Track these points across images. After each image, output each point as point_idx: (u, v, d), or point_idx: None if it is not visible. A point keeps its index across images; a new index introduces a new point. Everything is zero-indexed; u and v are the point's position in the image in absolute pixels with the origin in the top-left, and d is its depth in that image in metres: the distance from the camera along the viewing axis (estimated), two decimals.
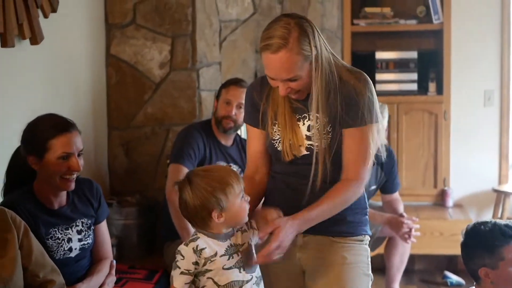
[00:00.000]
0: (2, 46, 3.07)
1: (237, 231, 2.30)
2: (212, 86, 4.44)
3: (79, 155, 2.72)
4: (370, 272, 2.48)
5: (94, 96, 4.29)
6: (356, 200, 2.42)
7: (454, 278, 4.96)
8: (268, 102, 2.42)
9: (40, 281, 2.43)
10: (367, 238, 2.51)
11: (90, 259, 2.93)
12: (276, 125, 2.40)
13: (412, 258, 5.15)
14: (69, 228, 2.80)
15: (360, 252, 2.45)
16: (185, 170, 3.49)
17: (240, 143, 3.94)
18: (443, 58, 5.43)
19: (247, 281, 2.26)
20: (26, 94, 3.39)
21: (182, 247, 2.23)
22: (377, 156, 4.35)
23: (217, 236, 2.25)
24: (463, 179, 5.49)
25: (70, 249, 2.78)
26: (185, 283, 2.22)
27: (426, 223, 4.94)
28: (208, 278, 2.23)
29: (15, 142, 2.88)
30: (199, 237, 2.24)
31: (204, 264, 2.22)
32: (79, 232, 2.83)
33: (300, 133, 2.38)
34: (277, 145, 2.41)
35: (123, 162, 4.46)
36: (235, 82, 3.94)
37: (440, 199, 5.46)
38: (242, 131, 4.06)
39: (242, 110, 3.79)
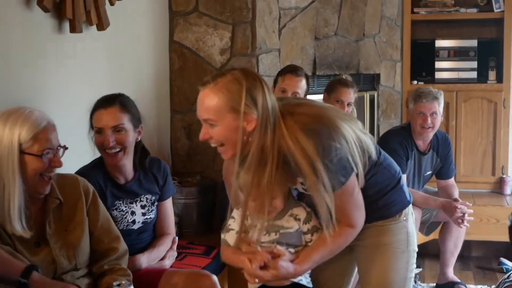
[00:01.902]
0: (70, 32, 3.23)
1: (290, 215, 2.44)
2: (271, 72, 4.55)
3: (118, 130, 2.86)
4: (410, 247, 2.55)
5: (157, 81, 4.45)
6: (382, 182, 2.48)
7: (510, 264, 4.97)
8: None
9: (105, 247, 2.59)
10: (405, 211, 2.55)
11: (153, 233, 3.10)
12: None
13: (469, 245, 5.19)
14: (134, 203, 2.97)
15: (396, 232, 2.53)
16: None
17: None
18: (504, 46, 5.43)
19: None
20: (92, 79, 3.55)
21: (234, 211, 2.44)
22: (432, 142, 4.41)
23: None
24: None
25: (134, 222, 2.96)
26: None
27: (483, 210, 4.98)
28: None
29: (82, 124, 3.07)
30: None
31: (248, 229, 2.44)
32: (142, 207, 3.00)
33: None
34: None
35: (184, 144, 4.61)
36: (291, 71, 4.02)
37: (498, 186, 5.47)
38: None
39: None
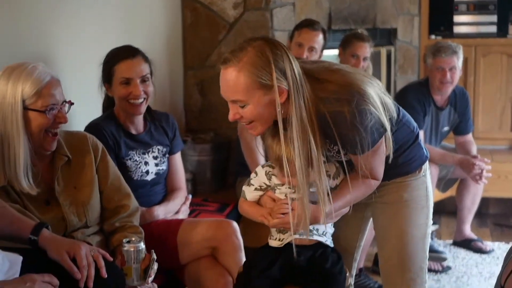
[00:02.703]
0: None
1: None
2: (285, 26, 4.47)
3: (144, 80, 2.88)
4: (429, 202, 2.52)
5: (169, 37, 4.38)
6: (402, 138, 2.42)
7: None
8: None
9: (116, 205, 2.56)
10: (423, 167, 2.51)
11: (165, 187, 3.10)
12: None
13: (486, 201, 5.13)
14: (146, 153, 2.98)
15: (416, 188, 2.49)
16: None
17: None
18: None
19: None
20: (103, 34, 3.49)
21: (258, 168, 2.40)
22: (450, 97, 4.34)
23: None
24: None
25: (147, 172, 2.96)
26: (256, 197, 2.42)
27: (501, 167, 4.90)
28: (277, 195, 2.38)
29: (91, 77, 3.02)
30: (275, 168, 2.36)
31: (273, 188, 2.38)
32: (155, 158, 3.00)
33: None
34: None
35: (197, 100, 4.56)
36: (308, 25, 3.97)
37: None
38: None
39: (314, 53, 3.89)
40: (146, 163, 2.96)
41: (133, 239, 2.37)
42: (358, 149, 2.21)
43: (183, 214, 3.10)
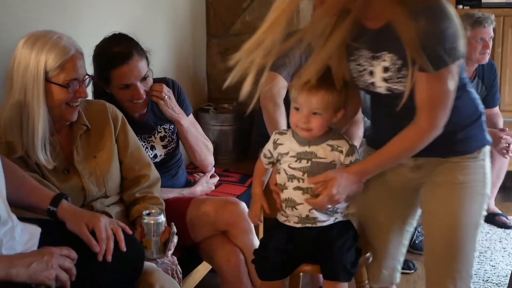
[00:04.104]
0: None
1: (327, 145, 2.29)
2: None
3: (145, 78, 2.73)
4: (486, 190, 2.27)
5: (193, 4, 4.33)
6: (464, 111, 2.19)
7: None
8: None
9: (136, 175, 2.53)
10: (484, 150, 2.27)
11: (179, 159, 3.03)
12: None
13: (511, 175, 5.06)
14: (152, 136, 2.89)
15: (474, 171, 2.23)
16: (279, 78, 3.50)
17: None
18: None
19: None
20: (126, 2, 3.46)
21: (274, 133, 2.34)
22: (478, 70, 4.26)
23: (299, 138, 2.29)
24: None
25: (155, 156, 2.89)
26: (267, 163, 2.38)
27: None
28: (282, 168, 2.31)
29: None
30: (286, 133, 2.32)
31: (278, 157, 2.32)
32: (162, 139, 2.91)
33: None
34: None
35: (220, 69, 4.52)
36: None
37: None
38: None
39: None
40: (152, 148, 2.88)
41: (153, 211, 2.35)
42: (424, 60, 1.94)
43: (201, 187, 3.06)
